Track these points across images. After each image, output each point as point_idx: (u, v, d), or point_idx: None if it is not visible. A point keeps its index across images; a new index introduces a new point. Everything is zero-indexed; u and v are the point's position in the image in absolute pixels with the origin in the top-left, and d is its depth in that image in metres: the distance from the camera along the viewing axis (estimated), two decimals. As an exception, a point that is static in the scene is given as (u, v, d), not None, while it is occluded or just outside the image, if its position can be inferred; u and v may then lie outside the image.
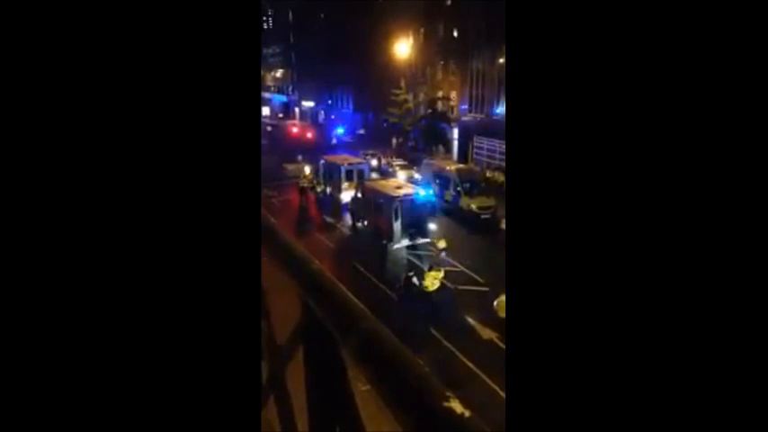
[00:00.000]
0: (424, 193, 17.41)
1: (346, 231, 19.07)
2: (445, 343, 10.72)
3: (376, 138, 36.07)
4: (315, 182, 23.20)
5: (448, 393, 0.89)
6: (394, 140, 32.33)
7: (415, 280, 12.83)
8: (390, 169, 27.19)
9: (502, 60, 26.58)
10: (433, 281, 12.34)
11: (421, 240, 16.42)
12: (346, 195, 20.66)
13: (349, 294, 1.40)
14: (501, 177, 24.34)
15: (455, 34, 30.49)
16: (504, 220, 17.09)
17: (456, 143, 31.24)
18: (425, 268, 13.42)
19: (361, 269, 14.77)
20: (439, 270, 12.74)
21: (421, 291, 12.35)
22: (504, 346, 10.44)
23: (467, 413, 0.84)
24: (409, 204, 16.42)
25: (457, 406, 0.86)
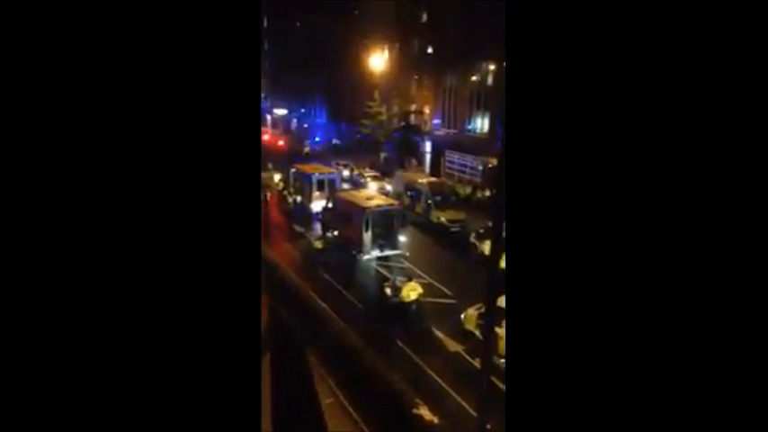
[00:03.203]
0: (396, 205, 17.51)
1: (319, 245, 18.90)
2: (410, 354, 10.71)
3: (349, 148, 36.06)
4: (286, 191, 22.97)
5: (417, 400, 0.90)
6: (382, 155, 32.28)
7: (388, 291, 12.83)
8: (362, 180, 27.18)
9: (474, 78, 27.10)
10: (410, 292, 12.36)
11: (391, 252, 16.44)
12: (317, 205, 20.54)
13: (319, 301, 1.41)
14: (468, 190, 24.69)
15: (429, 50, 30.95)
16: (473, 234, 17.28)
17: (428, 156, 31.54)
18: (395, 279, 13.44)
19: (329, 279, 14.68)
20: (416, 284, 12.81)
21: (397, 301, 12.36)
22: (470, 359, 10.50)
23: (435, 419, 0.86)
24: (380, 216, 16.45)
25: (426, 413, 0.88)
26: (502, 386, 9.44)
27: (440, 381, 9.66)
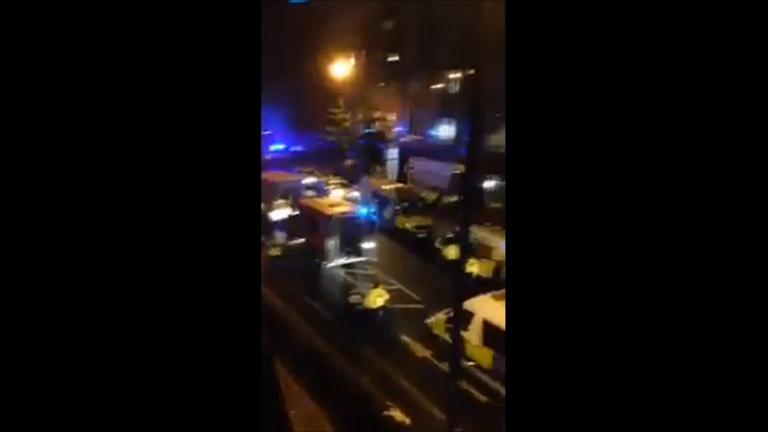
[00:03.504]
0: (365, 212, 17.45)
1: (276, 252, 18.61)
2: (378, 360, 10.64)
3: (313, 155, 35.88)
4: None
5: (387, 402, 0.85)
6: (347, 161, 32.19)
7: (354, 298, 12.74)
8: (326, 187, 27.06)
9: (439, 85, 27.54)
10: (376, 298, 12.29)
11: (356, 259, 16.36)
12: (279, 213, 20.26)
13: (285, 310, 1.41)
14: (434, 196, 24.95)
15: (395, 58, 31.29)
16: (438, 239, 17.40)
17: (394, 163, 31.75)
18: (361, 286, 13.37)
19: (294, 287, 14.47)
20: (384, 290, 12.76)
21: (363, 309, 12.26)
22: (439, 363, 10.51)
23: (407, 420, 0.80)
24: (346, 223, 16.36)
25: (397, 414, 0.83)
26: (470, 389, 9.50)
27: (409, 386, 9.62)
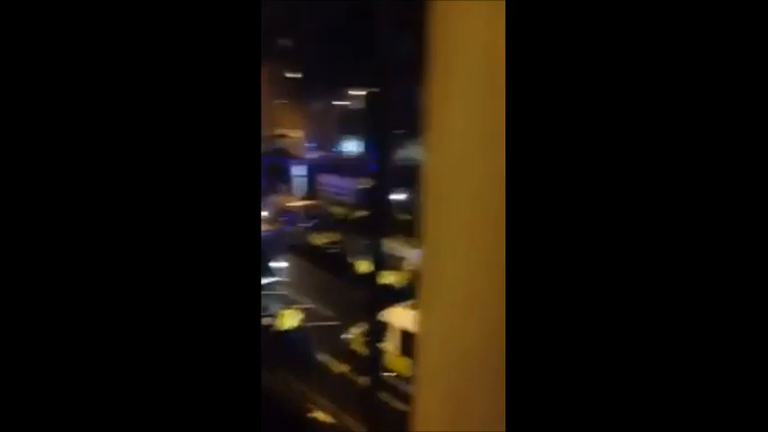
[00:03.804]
0: (270, 231, 17.02)
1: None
2: (296, 381, 10.40)
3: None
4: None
5: (310, 405, 0.90)
6: (282, 186, 31.15)
7: (266, 321, 12.37)
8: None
9: (343, 102, 27.86)
10: (289, 319, 12.01)
11: (267, 280, 15.92)
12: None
13: None
14: (343, 211, 25.11)
15: (296, 75, 31.20)
16: (349, 254, 17.45)
17: (301, 180, 31.47)
18: (273, 308, 13.01)
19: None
20: (297, 310, 12.50)
21: (277, 331, 11.92)
22: (357, 378, 10.51)
23: (333, 420, 0.84)
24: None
25: (321, 415, 0.88)
26: (389, 399, 9.60)
27: (328, 403, 9.49)
